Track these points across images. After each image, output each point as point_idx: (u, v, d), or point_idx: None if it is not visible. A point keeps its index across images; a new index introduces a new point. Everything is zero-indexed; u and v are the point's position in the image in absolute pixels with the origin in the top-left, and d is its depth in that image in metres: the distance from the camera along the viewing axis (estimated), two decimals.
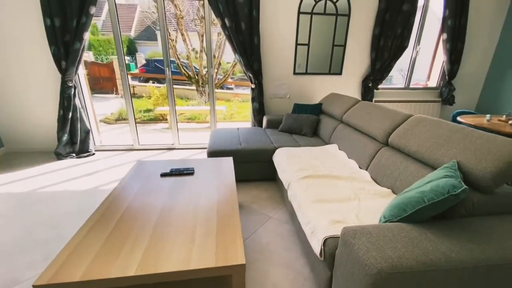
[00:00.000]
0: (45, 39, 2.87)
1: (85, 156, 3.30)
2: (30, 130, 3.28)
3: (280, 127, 3.11)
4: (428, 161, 1.52)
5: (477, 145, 1.31)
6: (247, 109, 7.13)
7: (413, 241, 1.04)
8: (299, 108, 3.27)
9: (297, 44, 3.42)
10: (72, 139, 3.24)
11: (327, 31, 3.43)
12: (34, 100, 3.17)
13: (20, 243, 1.79)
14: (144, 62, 10.73)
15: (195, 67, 7.41)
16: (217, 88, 7.63)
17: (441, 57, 3.80)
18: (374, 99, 3.81)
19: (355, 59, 3.63)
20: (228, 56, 7.76)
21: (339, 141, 2.55)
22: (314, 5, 3.29)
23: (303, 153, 2.33)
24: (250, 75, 3.31)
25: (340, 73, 3.67)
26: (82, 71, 3.28)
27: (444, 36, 3.61)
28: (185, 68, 7.32)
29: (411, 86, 3.99)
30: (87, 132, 3.30)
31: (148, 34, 13.77)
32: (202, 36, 7.16)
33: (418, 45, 3.78)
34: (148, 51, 12.72)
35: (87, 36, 2.93)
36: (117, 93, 7.96)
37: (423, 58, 4.03)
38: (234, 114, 6.72)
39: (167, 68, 3.37)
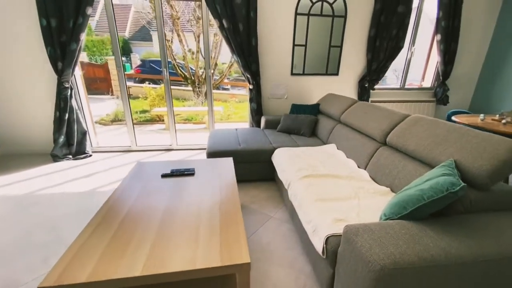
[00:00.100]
0: (41, 40, 2.84)
1: (82, 158, 3.27)
2: (25, 132, 3.24)
3: (279, 127, 3.13)
4: (426, 160, 1.56)
5: (474, 144, 1.35)
6: (244, 109, 7.14)
7: (414, 237, 1.07)
8: (297, 109, 3.29)
9: (294, 45, 3.45)
10: (69, 140, 3.21)
11: (324, 32, 3.47)
12: (29, 101, 3.13)
13: (18, 246, 1.77)
14: (139, 62, 10.67)
15: (191, 68, 7.40)
16: (213, 89, 7.62)
17: (435, 58, 3.87)
18: (370, 99, 3.86)
19: (352, 59, 3.67)
20: (224, 56, 7.78)
21: (337, 141, 2.58)
22: (311, 6, 3.32)
23: (302, 153, 2.36)
24: (248, 76, 3.33)
25: (337, 74, 3.71)
26: (78, 72, 3.25)
27: (438, 37, 3.68)
28: (181, 69, 7.30)
29: (406, 87, 4.06)
30: (83, 134, 3.27)
31: (142, 34, 13.69)
32: (198, 36, 7.15)
33: (413, 46, 3.84)
34: (143, 51, 12.65)
35: (83, 36, 2.92)
36: (112, 94, 7.89)
37: (418, 59, 4.10)
38: (231, 115, 6.73)
39: (165, 69, 3.36)
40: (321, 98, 3.37)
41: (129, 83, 9.21)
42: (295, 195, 1.77)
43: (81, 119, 3.22)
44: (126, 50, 12.76)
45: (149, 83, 8.79)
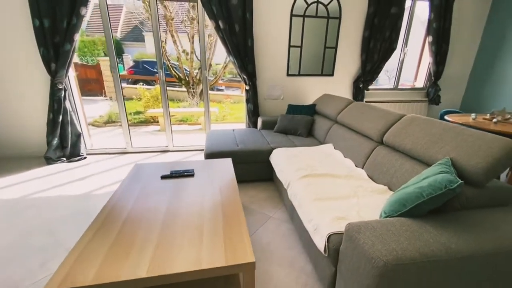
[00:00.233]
0: (33, 40, 2.79)
1: (77, 160, 3.22)
2: (18, 135, 3.17)
3: (276, 127, 3.15)
4: (423, 158, 1.60)
5: (469, 142, 1.39)
6: (239, 110, 7.14)
7: (414, 234, 1.09)
8: (293, 109, 3.32)
9: (290, 46, 3.48)
10: (63, 143, 3.15)
11: (319, 33, 3.51)
12: (22, 103, 3.06)
13: (15, 250, 1.73)
14: (131, 63, 10.55)
15: (185, 69, 7.37)
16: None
17: (427, 59, 3.95)
18: (364, 100, 3.91)
19: (346, 60, 3.73)
20: (217, 57, 7.76)
21: (334, 141, 2.61)
22: (306, 8, 3.36)
23: (300, 153, 2.38)
24: (245, 76, 3.34)
25: (332, 75, 3.76)
26: (72, 73, 3.21)
27: (430, 38, 3.76)
28: (175, 70, 7.26)
29: (399, 87, 4.13)
30: (78, 136, 3.22)
31: (134, 35, 13.56)
32: (193, 37, 7.13)
33: (406, 47, 3.92)
34: (135, 52, 12.52)
35: (77, 37, 2.88)
36: (105, 95, 7.78)
37: (410, 60, 4.18)
38: (226, 116, 6.72)
39: (161, 70, 3.34)
40: (317, 98, 3.41)
41: (122, 84, 9.09)
42: (295, 195, 1.79)
43: (75, 121, 3.17)
44: (118, 51, 12.57)
45: (142, 84, 8.71)
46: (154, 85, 8.42)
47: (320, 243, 1.35)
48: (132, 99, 7.63)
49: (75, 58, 2.97)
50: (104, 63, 8.47)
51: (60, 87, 2.93)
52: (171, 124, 3.59)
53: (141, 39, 13.21)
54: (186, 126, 5.93)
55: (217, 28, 3.09)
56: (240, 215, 1.39)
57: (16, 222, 2.01)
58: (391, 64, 4.04)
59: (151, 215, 1.38)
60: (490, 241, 1.09)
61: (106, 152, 3.52)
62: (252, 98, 3.47)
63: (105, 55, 11.17)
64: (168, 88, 8.20)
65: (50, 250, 1.73)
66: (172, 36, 6.99)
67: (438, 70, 3.90)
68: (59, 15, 2.73)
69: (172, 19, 6.88)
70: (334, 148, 2.54)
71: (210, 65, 7.36)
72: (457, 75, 4.12)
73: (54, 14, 2.73)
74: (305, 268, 1.64)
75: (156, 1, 3.10)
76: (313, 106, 3.31)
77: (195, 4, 3.14)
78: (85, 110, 3.52)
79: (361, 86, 3.78)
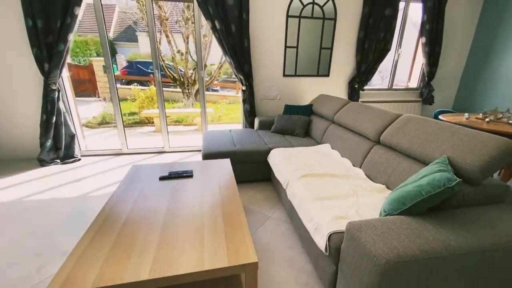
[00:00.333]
0: (26, 41, 2.74)
1: (71, 162, 3.16)
2: (9, 136, 3.10)
3: (273, 128, 3.16)
4: (420, 157, 1.62)
5: (465, 141, 1.42)
6: (235, 111, 7.13)
7: (414, 232, 1.11)
8: (290, 110, 3.33)
9: (286, 46, 3.49)
10: (56, 144, 3.10)
11: (315, 34, 3.54)
12: (14, 104, 3.00)
13: (10, 255, 1.69)
14: (124, 64, 10.44)
15: (180, 70, 7.32)
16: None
17: (421, 60, 4.02)
18: (360, 100, 3.95)
19: (342, 61, 3.76)
20: (212, 57, 7.74)
21: (331, 140, 2.63)
22: (302, 9, 3.38)
23: (298, 153, 2.39)
24: (241, 77, 3.33)
25: (328, 75, 3.79)
26: (65, 73, 3.15)
27: (423, 40, 3.82)
28: (169, 70, 7.21)
29: (393, 87, 4.19)
30: (72, 137, 3.17)
31: (128, 35, 13.42)
32: (187, 38, 7.09)
33: (400, 48, 3.97)
34: (128, 52, 12.40)
35: (71, 37, 2.83)
36: (98, 96, 7.68)
37: (403, 61, 4.24)
38: (222, 116, 6.70)
39: (156, 71, 3.31)
40: (314, 99, 3.43)
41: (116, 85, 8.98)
42: (294, 195, 1.80)
43: (69, 122, 3.12)
44: (111, 51, 12.45)
45: (136, 85, 8.62)
46: (148, 86, 8.34)
47: (321, 242, 1.36)
48: (126, 99, 7.54)
49: (67, 59, 2.92)
50: (97, 64, 8.36)
51: (54, 87, 2.88)
52: (167, 125, 3.56)
53: (134, 39, 13.09)
54: (182, 127, 5.89)
55: (214, 28, 3.09)
56: (241, 215, 1.39)
57: (10, 226, 1.96)
58: (384, 64, 4.10)
59: (151, 216, 1.37)
60: (487, 238, 1.11)
61: (101, 153, 3.47)
62: (249, 98, 3.47)
63: (97, 55, 11.03)
64: (163, 88, 8.18)
65: (46, 254, 1.70)
66: (167, 36, 6.94)
67: (431, 70, 3.97)
68: (52, 15, 2.68)
69: (167, 19, 6.84)
70: (332, 148, 2.56)
71: (205, 65, 7.33)
72: (449, 75, 4.20)
73: (48, 14, 2.68)
74: (305, 268, 1.65)
75: (152, 1, 3.08)
76: (309, 106, 3.33)
77: (190, 4, 3.13)
78: (78, 111, 3.47)
79: (356, 86, 3.82)
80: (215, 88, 9.74)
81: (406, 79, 4.50)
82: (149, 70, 9.40)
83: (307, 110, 3.30)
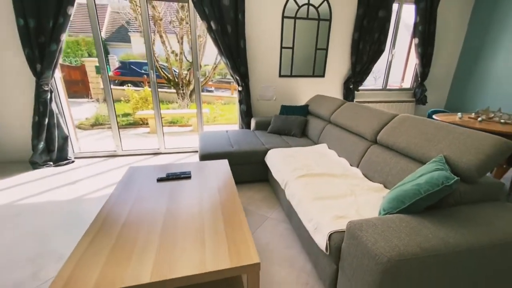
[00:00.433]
0: (18, 41, 2.68)
1: (64, 164, 3.11)
2: (0, 138, 3.02)
3: (269, 128, 3.16)
4: (417, 156, 1.64)
5: (461, 140, 1.44)
6: (230, 111, 7.11)
7: (414, 230, 1.12)
8: (286, 110, 3.34)
9: (282, 47, 3.51)
10: (49, 146, 3.04)
11: (310, 35, 3.56)
12: (5, 105, 2.93)
13: (4, 260, 1.65)
14: (117, 64, 10.31)
15: (174, 70, 7.27)
16: None
17: (414, 60, 4.08)
18: (355, 100, 3.99)
19: (337, 62, 3.79)
20: (207, 58, 7.71)
21: (328, 140, 2.64)
22: (297, 10, 3.40)
23: (295, 153, 2.39)
24: (237, 77, 3.33)
25: (323, 76, 3.81)
26: (58, 74, 3.10)
27: (416, 41, 3.89)
28: (163, 71, 7.15)
29: (387, 88, 4.24)
30: (65, 139, 3.11)
31: (120, 35, 13.28)
32: (182, 38, 7.05)
33: (393, 48, 4.03)
34: (121, 53, 12.26)
35: (64, 37, 2.78)
36: (91, 97, 7.56)
37: (397, 61, 4.30)
38: (217, 117, 6.68)
39: (152, 71, 3.28)
40: (310, 99, 3.45)
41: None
42: (293, 195, 1.80)
43: (62, 124, 3.06)
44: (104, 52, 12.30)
45: (129, 86, 8.52)
46: (142, 87, 8.25)
47: (321, 241, 1.36)
48: (120, 100, 7.44)
49: (60, 59, 2.87)
50: (89, 64, 8.23)
51: (46, 88, 2.82)
52: (162, 126, 3.53)
53: (127, 39, 12.96)
54: (177, 128, 5.85)
55: (209, 29, 3.08)
56: (241, 215, 1.39)
57: (3, 230, 1.91)
58: (377, 65, 4.15)
59: (150, 218, 1.35)
60: (485, 235, 1.13)
61: (95, 155, 3.42)
62: (245, 99, 3.46)
63: (89, 55, 10.86)
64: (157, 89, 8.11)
65: (42, 259, 1.66)
66: (161, 36, 6.89)
67: (424, 71, 4.04)
68: (45, 15, 2.63)
69: (161, 20, 6.79)
70: (329, 148, 2.57)
71: (200, 66, 7.30)
72: (442, 75, 4.28)
73: (40, 13, 2.63)
74: (305, 267, 1.65)
75: (146, 2, 3.05)
76: (306, 106, 3.35)
77: (184, 4, 3.11)
78: (71, 113, 3.41)
79: (351, 87, 3.86)
80: (210, 89, 9.70)
81: (400, 80, 4.56)
82: (143, 71, 9.31)
83: (303, 111, 3.31)
